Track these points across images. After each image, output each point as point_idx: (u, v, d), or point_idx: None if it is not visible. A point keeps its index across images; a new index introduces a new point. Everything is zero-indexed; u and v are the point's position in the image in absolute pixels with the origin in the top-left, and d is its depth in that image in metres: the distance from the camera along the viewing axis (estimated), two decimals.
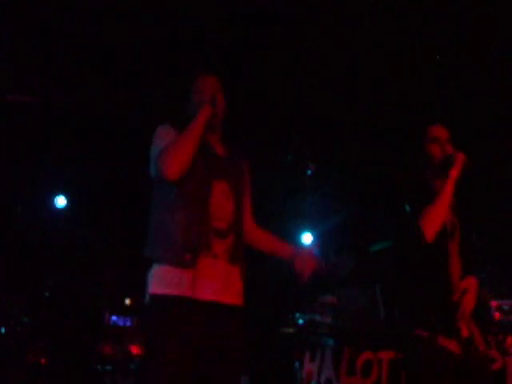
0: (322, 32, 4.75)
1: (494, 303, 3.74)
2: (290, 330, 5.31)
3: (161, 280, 2.03)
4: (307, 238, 7.84)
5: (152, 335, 1.99)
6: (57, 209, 7.22)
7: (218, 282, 2.04)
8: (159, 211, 2.11)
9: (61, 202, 7.23)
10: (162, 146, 2.08)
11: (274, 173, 7.15)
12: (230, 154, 2.30)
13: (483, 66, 4.68)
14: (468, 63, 4.73)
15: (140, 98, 5.67)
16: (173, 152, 2.04)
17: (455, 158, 2.45)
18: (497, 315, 3.67)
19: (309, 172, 7.03)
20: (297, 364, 4.90)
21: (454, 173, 2.43)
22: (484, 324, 2.39)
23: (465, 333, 2.33)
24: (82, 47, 4.98)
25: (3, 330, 5.55)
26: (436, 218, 2.37)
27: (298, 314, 5.31)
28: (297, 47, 4.89)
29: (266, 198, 7.52)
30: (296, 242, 8.06)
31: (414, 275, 2.45)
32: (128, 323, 5.88)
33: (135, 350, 5.58)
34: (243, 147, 2.42)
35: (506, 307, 3.65)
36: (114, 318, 5.75)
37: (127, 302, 7.62)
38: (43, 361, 5.53)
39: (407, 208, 2.45)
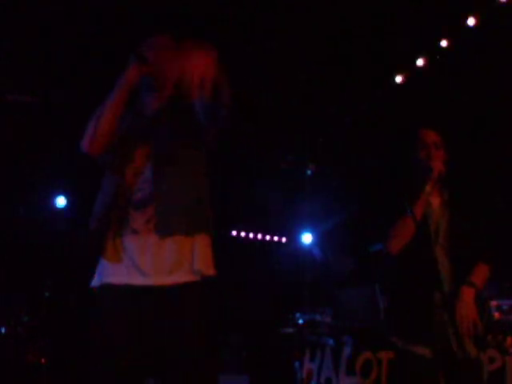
0: (322, 30, 4.76)
1: (493, 303, 3.74)
2: (290, 330, 5.31)
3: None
4: (307, 238, 7.84)
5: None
6: (57, 209, 7.22)
7: (137, 261, 1.81)
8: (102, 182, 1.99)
9: (61, 202, 7.23)
10: None
11: (274, 173, 7.15)
12: (167, 108, 1.99)
13: (482, 66, 4.68)
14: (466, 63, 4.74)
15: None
16: (90, 126, 1.90)
17: (431, 171, 2.42)
18: (496, 315, 3.67)
19: (309, 172, 7.03)
20: (297, 364, 4.90)
21: (427, 189, 2.41)
22: (484, 325, 2.37)
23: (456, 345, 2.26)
24: (82, 47, 4.98)
25: (3, 330, 5.54)
26: (401, 235, 2.37)
27: (298, 314, 5.31)
28: (296, 45, 4.89)
29: (266, 198, 7.52)
30: (296, 242, 8.06)
31: (396, 282, 2.45)
32: None
33: None
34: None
35: (505, 307, 3.66)
36: None
37: None
38: (43, 361, 5.53)
39: (408, 209, 2.44)
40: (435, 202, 2.54)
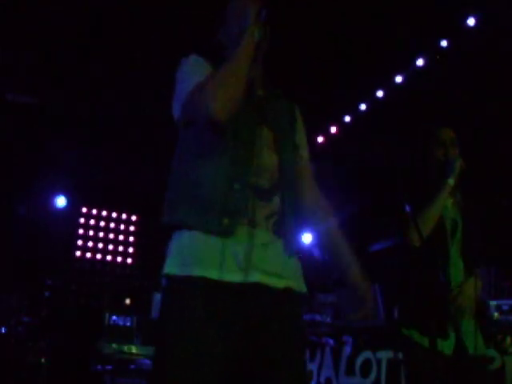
0: (323, 29, 4.76)
1: (493, 303, 3.74)
2: None
3: (183, 256, 1.55)
4: (307, 238, 7.83)
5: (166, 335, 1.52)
6: (57, 209, 7.22)
7: (249, 258, 1.52)
8: (186, 166, 1.61)
9: (61, 202, 7.24)
10: (195, 81, 1.57)
11: None
12: (273, 96, 1.78)
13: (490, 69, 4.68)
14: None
15: (140, 98, 5.67)
16: (219, 82, 1.51)
17: (455, 165, 2.45)
18: (496, 315, 3.67)
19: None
20: None
21: (450, 181, 2.44)
22: (483, 323, 2.38)
23: (457, 333, 2.31)
24: (82, 47, 4.98)
25: (3, 330, 5.54)
26: (424, 224, 2.36)
27: None
28: (297, 43, 4.89)
29: None
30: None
31: (410, 275, 2.46)
32: (128, 323, 5.87)
33: (135, 349, 5.58)
34: (287, 90, 1.88)
35: (505, 307, 3.65)
36: (113, 317, 5.74)
37: (127, 301, 7.62)
38: (43, 361, 5.53)
39: (407, 208, 2.45)
40: (448, 200, 2.56)
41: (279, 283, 1.56)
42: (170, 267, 1.55)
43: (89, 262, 7.71)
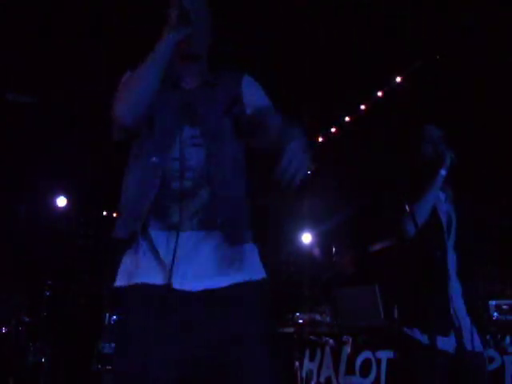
0: (322, 29, 4.76)
1: (493, 303, 3.74)
2: (290, 330, 5.31)
3: (120, 269, 1.60)
4: (307, 238, 7.84)
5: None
6: (57, 209, 7.23)
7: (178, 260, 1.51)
8: (124, 177, 1.66)
9: (61, 202, 7.24)
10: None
11: (273, 173, 7.13)
12: (206, 83, 1.72)
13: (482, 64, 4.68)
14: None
15: None
16: (124, 91, 1.60)
17: (444, 157, 2.47)
18: (495, 315, 3.67)
19: (309, 172, 7.01)
20: (297, 364, 4.90)
21: (442, 172, 2.46)
22: (482, 323, 2.38)
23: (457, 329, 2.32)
24: (82, 47, 4.98)
25: (3, 330, 5.55)
26: (419, 215, 2.38)
27: (297, 314, 5.31)
28: (297, 43, 4.90)
29: (266, 198, 7.52)
30: (296, 242, 8.07)
31: (408, 273, 2.46)
32: None
33: None
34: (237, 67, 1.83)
35: (505, 307, 3.65)
36: (113, 317, 5.74)
37: None
38: (43, 361, 5.53)
39: (406, 206, 2.46)
40: (442, 195, 2.58)
41: (212, 284, 1.52)
42: (117, 281, 1.60)
43: (89, 262, 7.72)
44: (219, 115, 1.67)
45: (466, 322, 2.34)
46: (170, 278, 1.49)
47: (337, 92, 5.59)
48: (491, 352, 3.26)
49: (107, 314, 5.76)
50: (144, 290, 1.52)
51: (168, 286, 1.49)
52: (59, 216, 7.25)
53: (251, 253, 1.65)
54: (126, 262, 1.60)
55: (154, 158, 1.57)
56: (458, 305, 2.36)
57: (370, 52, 4.96)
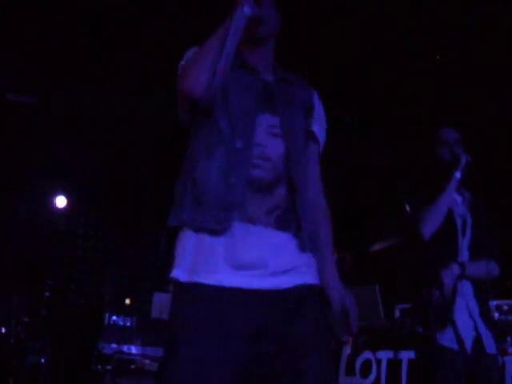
0: (322, 28, 4.76)
1: (493, 303, 3.74)
2: None
3: (182, 257, 1.48)
4: None
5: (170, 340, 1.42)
6: (57, 209, 7.23)
7: (252, 258, 1.42)
8: (190, 165, 1.53)
9: (61, 202, 7.24)
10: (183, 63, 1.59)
11: None
12: (285, 79, 1.68)
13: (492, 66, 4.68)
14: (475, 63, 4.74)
15: (140, 98, 5.67)
16: (194, 62, 1.50)
17: (460, 159, 2.48)
18: (496, 315, 3.67)
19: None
20: None
21: (457, 174, 2.46)
22: (495, 324, 2.38)
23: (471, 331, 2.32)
24: (82, 47, 4.98)
25: (3, 330, 5.55)
26: (434, 217, 2.40)
27: None
28: (297, 43, 4.89)
29: None
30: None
31: (422, 271, 2.46)
32: (128, 323, 5.88)
33: (135, 349, 5.58)
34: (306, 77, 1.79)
35: (505, 307, 3.65)
36: (113, 317, 5.74)
37: (127, 301, 7.62)
38: (43, 361, 5.54)
39: (407, 207, 2.47)
40: (458, 198, 2.59)
41: (284, 283, 1.45)
42: (175, 272, 1.48)
43: (89, 262, 7.72)
44: (297, 114, 1.62)
45: (480, 324, 2.35)
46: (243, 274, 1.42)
47: (338, 92, 5.59)
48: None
49: (107, 314, 5.77)
50: (210, 288, 1.42)
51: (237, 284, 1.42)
52: (59, 216, 7.25)
53: (311, 262, 1.55)
54: (190, 248, 1.47)
55: (238, 143, 1.47)
56: (472, 307, 2.37)
57: (371, 52, 4.96)
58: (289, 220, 1.48)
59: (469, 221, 2.53)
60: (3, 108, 5.68)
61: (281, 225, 1.47)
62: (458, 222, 2.51)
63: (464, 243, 2.49)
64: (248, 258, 1.43)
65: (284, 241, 1.47)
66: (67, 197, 7.27)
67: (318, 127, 1.72)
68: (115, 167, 6.76)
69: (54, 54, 5.08)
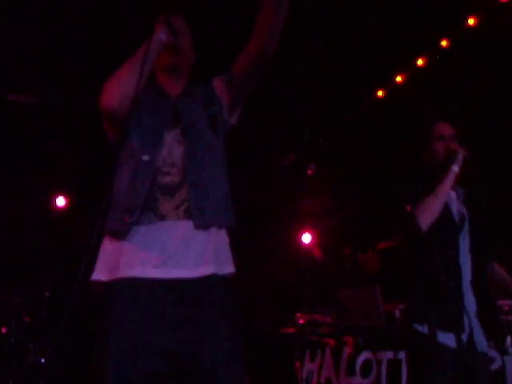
0: (322, 28, 4.76)
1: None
2: (290, 330, 5.31)
3: (100, 260, 1.76)
4: (307, 238, 7.84)
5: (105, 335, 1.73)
6: (57, 209, 7.23)
7: (164, 251, 1.69)
8: (115, 177, 1.84)
9: (61, 202, 7.24)
10: None
11: (274, 173, 7.15)
12: (189, 92, 1.97)
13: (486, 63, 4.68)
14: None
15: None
16: (112, 80, 1.81)
17: (457, 153, 2.48)
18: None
19: (309, 172, 7.03)
20: (297, 364, 4.90)
21: (454, 168, 2.46)
22: (491, 324, 2.38)
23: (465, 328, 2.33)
24: (82, 47, 4.98)
25: (3, 330, 5.54)
26: (431, 208, 2.39)
27: (297, 314, 5.30)
28: (297, 44, 4.89)
29: (266, 198, 7.52)
30: (296, 242, 8.07)
31: (419, 268, 2.46)
32: None
33: None
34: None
35: (505, 307, 3.65)
36: None
37: None
38: (43, 361, 5.53)
39: (403, 202, 2.46)
40: (452, 194, 2.58)
41: (194, 273, 1.69)
42: (94, 275, 1.75)
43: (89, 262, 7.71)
44: (198, 114, 1.89)
45: (475, 322, 2.35)
46: (161, 265, 1.69)
47: (337, 91, 5.59)
48: (492, 353, 3.25)
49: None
50: (131, 283, 1.68)
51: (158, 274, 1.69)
52: (59, 216, 7.24)
53: (225, 246, 1.85)
54: (108, 251, 1.76)
55: (145, 156, 1.76)
56: (469, 305, 2.37)
57: (370, 51, 4.96)
58: (195, 210, 1.74)
59: (466, 217, 2.53)
60: (3, 108, 5.67)
61: (188, 214, 1.73)
62: (456, 218, 2.51)
63: (464, 241, 2.48)
64: (158, 253, 1.69)
65: (192, 230, 1.73)
66: (67, 197, 7.27)
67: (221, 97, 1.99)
68: (115, 167, 6.74)
69: (54, 53, 5.08)
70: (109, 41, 4.86)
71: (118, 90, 1.76)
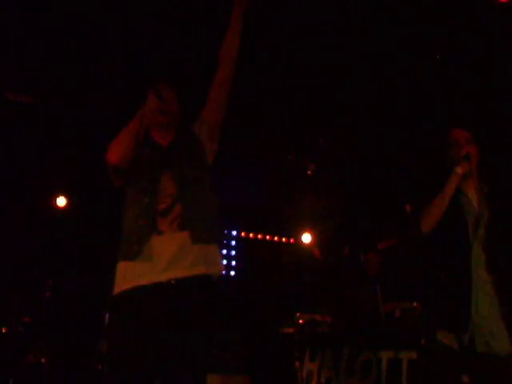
0: (322, 28, 4.76)
1: None
2: (290, 330, 5.31)
3: (117, 279, 2.15)
4: (307, 238, 7.85)
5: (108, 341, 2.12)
6: (57, 209, 7.22)
7: (163, 260, 2.09)
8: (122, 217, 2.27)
9: (61, 202, 7.24)
10: None
11: (274, 173, 7.15)
12: (176, 141, 2.41)
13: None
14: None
15: (140, 98, 5.67)
16: (115, 141, 2.30)
17: (465, 157, 2.49)
18: None
19: (309, 172, 7.04)
20: (297, 364, 4.90)
21: (457, 169, 2.47)
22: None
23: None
24: (82, 47, 4.98)
25: (3, 330, 5.54)
26: (434, 211, 2.41)
27: (298, 314, 5.31)
28: (297, 44, 4.89)
29: (266, 197, 7.52)
30: (296, 242, 8.08)
31: (432, 270, 2.46)
32: None
33: None
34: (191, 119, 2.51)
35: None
36: None
37: None
38: (43, 361, 5.53)
39: (408, 207, 2.47)
40: (472, 194, 2.57)
41: (189, 272, 2.09)
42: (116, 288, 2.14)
43: (89, 262, 7.71)
44: (184, 158, 2.32)
45: (487, 322, 2.32)
46: (162, 270, 2.08)
47: (338, 91, 5.59)
48: None
49: (107, 314, 5.76)
50: (133, 291, 2.08)
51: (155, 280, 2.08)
52: (59, 216, 7.24)
53: (214, 252, 2.20)
54: (121, 270, 2.17)
55: (146, 199, 2.19)
56: (483, 306, 2.34)
57: (371, 51, 4.96)
58: (185, 223, 2.15)
59: (483, 220, 2.50)
60: (3, 108, 5.67)
61: (181, 227, 2.14)
62: (469, 219, 2.49)
63: (476, 243, 2.45)
64: (159, 261, 2.09)
65: (184, 239, 2.12)
66: (67, 197, 7.27)
67: (205, 132, 2.46)
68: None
69: (54, 54, 5.08)
70: (109, 41, 4.86)
71: (120, 149, 2.25)
